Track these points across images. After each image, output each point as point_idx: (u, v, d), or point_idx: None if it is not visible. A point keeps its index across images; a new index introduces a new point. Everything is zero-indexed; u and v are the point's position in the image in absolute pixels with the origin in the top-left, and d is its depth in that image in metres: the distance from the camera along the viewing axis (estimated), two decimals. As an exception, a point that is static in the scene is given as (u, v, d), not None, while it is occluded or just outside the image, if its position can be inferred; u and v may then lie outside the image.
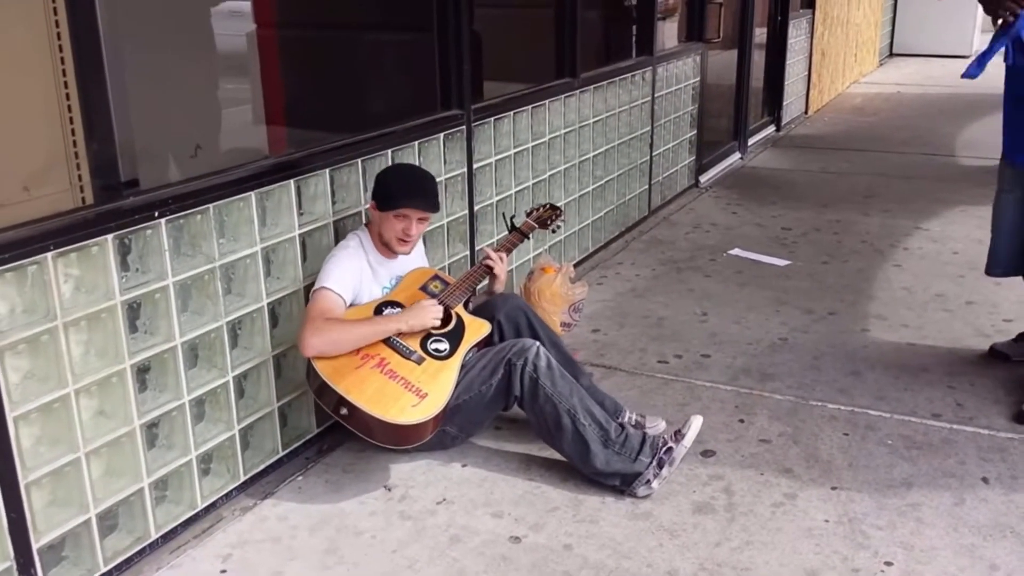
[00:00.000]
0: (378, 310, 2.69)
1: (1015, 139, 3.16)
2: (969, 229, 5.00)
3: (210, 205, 2.44)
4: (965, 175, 6.23)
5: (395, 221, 2.71)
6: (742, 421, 3.05)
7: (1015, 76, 3.04)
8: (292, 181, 2.70)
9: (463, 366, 2.71)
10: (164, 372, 2.42)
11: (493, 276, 3.00)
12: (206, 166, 2.55)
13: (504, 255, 3.04)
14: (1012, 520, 2.49)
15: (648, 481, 2.61)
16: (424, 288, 2.85)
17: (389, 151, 3.09)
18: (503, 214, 3.63)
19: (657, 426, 2.92)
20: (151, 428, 2.41)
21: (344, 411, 2.48)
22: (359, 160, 2.96)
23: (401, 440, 2.57)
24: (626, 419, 2.89)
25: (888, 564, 2.32)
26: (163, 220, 2.31)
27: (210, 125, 3.27)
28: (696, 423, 2.71)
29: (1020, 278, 3.36)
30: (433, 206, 2.79)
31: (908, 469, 2.75)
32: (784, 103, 7.91)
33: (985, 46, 3.03)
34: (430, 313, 2.67)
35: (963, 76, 3.03)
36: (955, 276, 4.33)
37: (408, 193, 2.72)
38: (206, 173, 2.49)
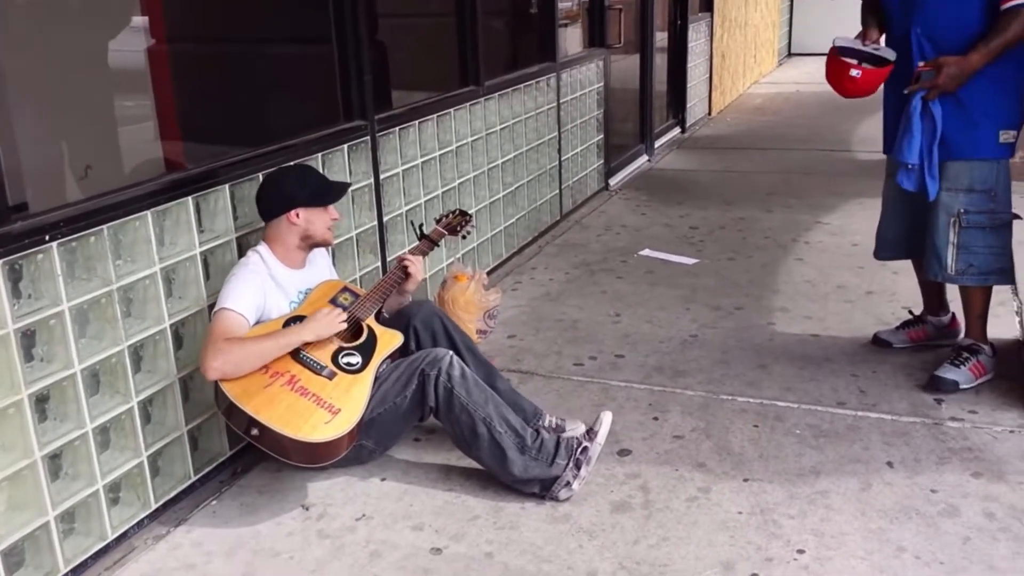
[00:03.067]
0: (286, 325, 2.64)
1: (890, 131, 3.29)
2: (866, 221, 5.14)
3: (104, 226, 2.36)
4: (861, 169, 6.46)
5: (324, 214, 2.76)
6: (656, 419, 3.10)
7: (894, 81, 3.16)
8: (190, 198, 2.64)
9: (377, 378, 2.68)
10: (64, 400, 2.34)
11: (409, 277, 2.97)
12: (101, 186, 2.47)
13: (420, 257, 3.04)
14: (917, 502, 2.58)
15: (568, 483, 2.62)
16: (334, 301, 2.81)
17: (292, 164, 3.04)
18: (411, 222, 3.62)
19: (577, 428, 2.93)
20: (54, 459, 2.32)
21: (255, 432, 2.43)
22: (260, 174, 2.90)
23: (316, 458, 2.53)
24: (546, 423, 2.90)
25: (800, 552, 2.38)
26: (55, 244, 2.23)
27: (105, 145, 3.17)
28: (607, 419, 2.74)
29: (912, 264, 3.49)
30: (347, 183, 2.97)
31: (816, 457, 2.83)
32: (688, 105, 8.07)
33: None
34: (334, 319, 2.63)
35: (899, 162, 3.10)
36: (855, 267, 4.48)
37: (338, 184, 2.85)
38: (99, 193, 2.42)
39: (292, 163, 3.00)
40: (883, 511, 2.55)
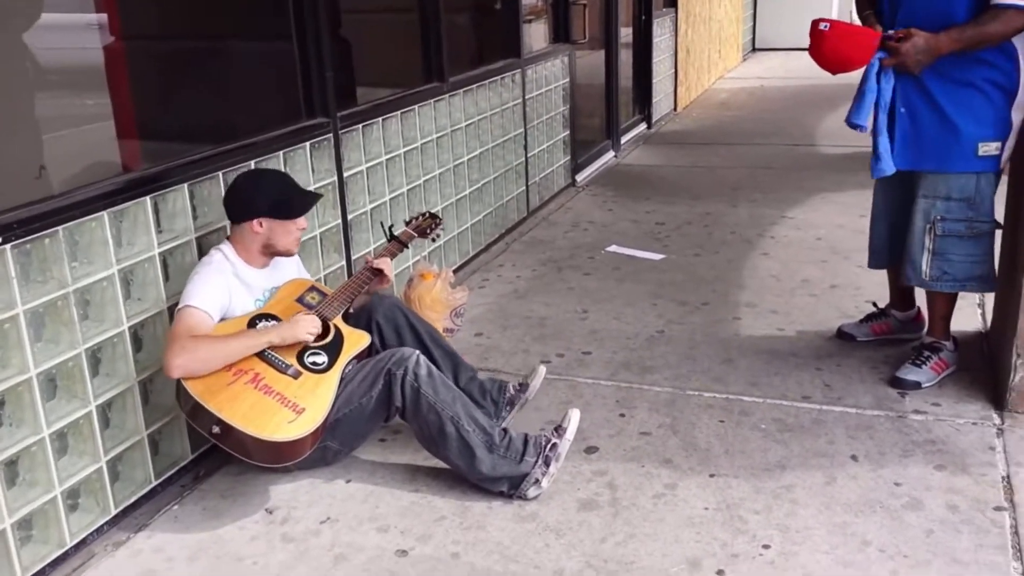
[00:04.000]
0: (251, 323, 2.60)
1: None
2: (830, 215, 5.22)
3: (59, 228, 2.32)
4: (825, 163, 6.51)
5: (290, 224, 2.71)
6: (623, 415, 3.10)
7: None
8: (148, 198, 2.59)
9: (342, 379, 2.66)
10: (20, 406, 2.29)
11: (383, 277, 2.96)
12: (48, 187, 2.42)
13: (388, 259, 3.03)
14: (881, 495, 2.60)
15: (537, 480, 2.61)
16: (301, 300, 2.78)
17: (252, 162, 3.00)
18: (381, 223, 3.59)
19: (537, 373, 3.06)
20: (10, 466, 2.28)
21: (217, 430, 2.39)
22: (220, 173, 2.86)
23: (279, 457, 2.50)
24: (511, 391, 2.96)
25: (766, 547, 2.39)
26: (7, 246, 2.18)
27: (30, 145, 3.10)
28: (575, 416, 2.74)
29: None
30: (319, 194, 2.89)
31: (781, 452, 2.84)
32: (653, 101, 8.09)
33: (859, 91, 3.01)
34: (306, 325, 2.60)
35: (875, 176, 3.07)
36: (819, 261, 4.51)
37: (306, 197, 2.77)
38: (53, 195, 2.37)
39: (264, 168, 2.93)
40: (848, 505, 2.56)
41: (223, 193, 2.87)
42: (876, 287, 3.79)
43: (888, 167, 3.03)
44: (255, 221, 2.66)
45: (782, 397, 3.18)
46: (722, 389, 3.25)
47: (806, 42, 3.05)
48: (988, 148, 2.92)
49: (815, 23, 3.00)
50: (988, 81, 2.88)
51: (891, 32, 2.94)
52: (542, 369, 3.08)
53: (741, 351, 3.56)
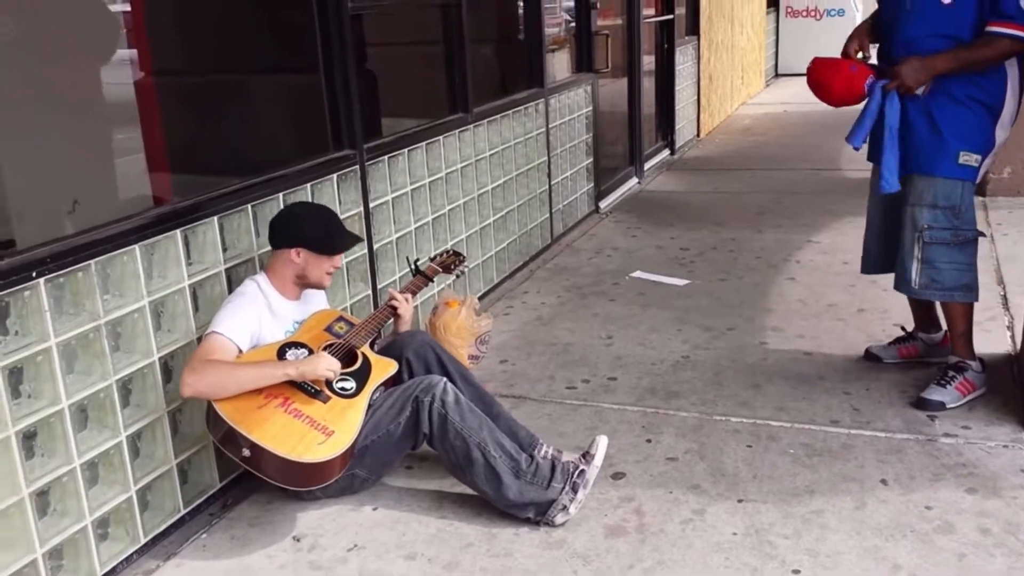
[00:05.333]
0: (280, 352, 2.64)
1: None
2: (856, 239, 5.10)
3: (91, 261, 2.36)
4: (850, 187, 6.48)
5: (327, 263, 2.77)
6: (649, 441, 3.09)
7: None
8: (179, 231, 2.64)
9: (370, 406, 2.68)
10: (52, 437, 2.32)
11: (397, 316, 2.99)
12: (90, 221, 2.47)
13: (409, 296, 3.04)
14: (912, 519, 2.57)
15: (564, 507, 2.61)
16: (329, 329, 2.81)
17: (280, 195, 3.05)
18: (407, 258, 3.63)
19: (599, 444, 2.93)
20: (41, 496, 2.30)
21: (247, 452, 2.41)
22: (249, 206, 2.91)
23: (307, 480, 2.52)
24: (541, 453, 2.85)
25: (796, 572, 2.37)
26: (41, 280, 2.22)
27: (101, 180, 3.18)
28: (602, 443, 2.73)
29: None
30: (360, 237, 2.96)
31: (810, 476, 2.82)
32: (676, 127, 8.12)
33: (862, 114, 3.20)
34: (326, 364, 2.58)
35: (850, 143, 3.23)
36: (846, 285, 4.49)
37: (346, 238, 2.84)
38: (86, 229, 2.41)
39: (316, 203, 2.99)
40: (878, 529, 2.54)
41: (252, 224, 2.92)
42: (904, 310, 3.76)
43: (892, 184, 3.14)
44: (294, 250, 2.72)
45: (810, 421, 3.16)
46: (749, 414, 3.24)
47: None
48: (968, 158, 3.07)
49: (842, 62, 3.24)
50: (974, 99, 3.05)
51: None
52: (603, 440, 2.78)
53: (768, 376, 3.54)
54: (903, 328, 3.63)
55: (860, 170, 6.73)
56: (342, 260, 2.86)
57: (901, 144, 3.12)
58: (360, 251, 3.53)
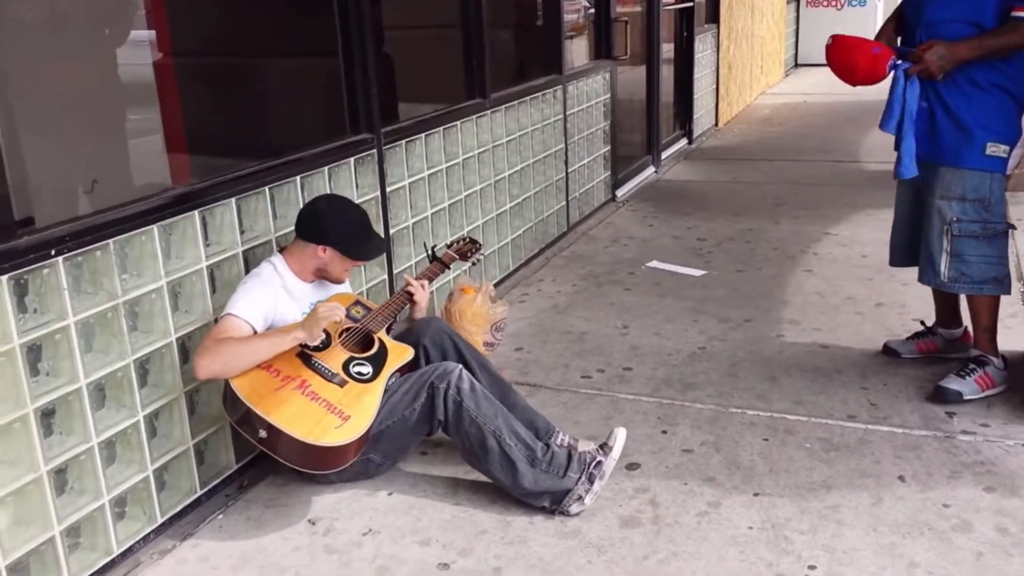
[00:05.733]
0: None
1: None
2: (875, 232, 5.14)
3: (110, 241, 2.36)
4: (870, 179, 6.43)
5: (350, 264, 2.77)
6: (665, 432, 3.07)
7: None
8: (196, 212, 2.63)
9: (385, 391, 2.67)
10: (70, 415, 2.33)
11: (413, 303, 2.98)
12: (108, 200, 2.47)
13: (425, 282, 3.03)
14: (929, 516, 2.55)
15: (580, 497, 2.60)
16: (346, 313, 2.81)
17: (298, 178, 3.04)
18: (424, 243, 3.62)
19: (617, 435, 2.92)
20: (59, 473, 2.31)
21: (264, 434, 2.41)
22: (267, 188, 2.90)
23: (322, 463, 2.52)
24: (558, 441, 2.85)
25: (811, 568, 2.35)
26: (60, 258, 2.22)
27: (116, 159, 3.18)
28: (621, 434, 2.72)
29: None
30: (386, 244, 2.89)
31: (827, 471, 2.80)
32: (695, 116, 8.06)
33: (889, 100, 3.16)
34: (324, 310, 2.54)
35: (896, 177, 3.22)
36: (864, 279, 4.46)
37: (375, 246, 2.83)
38: (104, 208, 2.41)
39: (351, 202, 2.88)
40: (895, 526, 2.52)
41: (269, 206, 2.91)
42: (922, 305, 3.74)
43: (910, 170, 3.12)
44: (321, 247, 2.71)
45: (827, 416, 3.14)
46: (766, 407, 3.22)
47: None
48: (996, 149, 3.04)
49: (865, 42, 3.19)
50: (999, 87, 3.01)
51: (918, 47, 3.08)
52: (622, 432, 2.75)
53: (785, 369, 3.52)
54: (922, 323, 3.60)
55: (880, 162, 6.70)
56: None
57: (927, 134, 3.09)
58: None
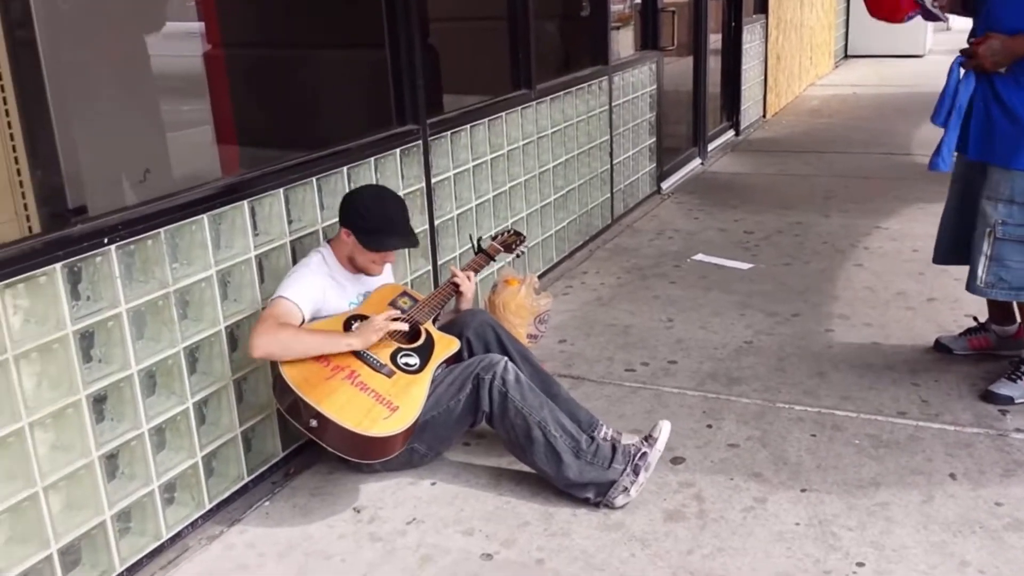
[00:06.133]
0: (347, 324, 2.66)
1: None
2: (927, 226, 5.01)
3: (161, 230, 2.39)
4: (922, 173, 6.26)
5: (373, 254, 2.75)
6: (710, 426, 3.05)
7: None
8: (245, 202, 2.66)
9: (431, 382, 2.68)
10: (121, 401, 2.37)
11: (459, 294, 2.98)
12: (156, 190, 2.50)
13: (471, 274, 3.03)
14: (981, 515, 2.50)
15: (625, 489, 2.59)
16: (393, 304, 2.83)
17: (345, 168, 3.06)
18: (470, 236, 3.63)
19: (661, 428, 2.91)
20: (111, 459, 2.35)
21: (314, 423, 2.44)
22: (314, 178, 2.92)
23: (370, 453, 2.54)
24: (601, 434, 2.85)
25: (860, 565, 2.32)
26: (113, 246, 2.26)
27: (155, 149, 3.22)
28: (666, 427, 2.70)
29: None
30: (414, 243, 2.82)
31: (876, 468, 2.75)
32: (742, 108, 7.97)
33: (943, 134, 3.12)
34: (378, 322, 2.59)
35: (931, 169, 3.15)
36: (915, 273, 4.37)
37: (396, 237, 2.77)
38: (156, 197, 2.45)
39: (389, 192, 2.86)
40: (946, 524, 2.47)
41: (316, 197, 2.94)
42: (975, 300, 3.65)
43: (944, 164, 3.08)
44: (344, 230, 2.73)
45: (877, 412, 3.09)
46: (813, 403, 3.18)
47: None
48: None
49: None
50: None
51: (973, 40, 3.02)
52: (667, 425, 2.71)
53: (833, 364, 3.47)
54: (975, 319, 3.53)
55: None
56: (394, 253, 2.85)
57: (984, 133, 3.00)
58: (422, 227, 3.53)
